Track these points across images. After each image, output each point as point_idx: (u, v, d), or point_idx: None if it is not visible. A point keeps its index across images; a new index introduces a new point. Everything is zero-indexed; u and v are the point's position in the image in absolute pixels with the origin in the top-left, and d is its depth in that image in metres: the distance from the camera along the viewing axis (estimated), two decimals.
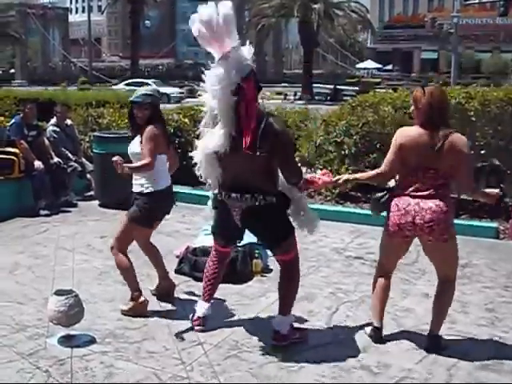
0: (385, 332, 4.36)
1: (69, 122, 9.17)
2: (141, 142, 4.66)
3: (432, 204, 3.97)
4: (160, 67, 70.15)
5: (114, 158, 4.45)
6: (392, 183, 4.22)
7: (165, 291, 5.11)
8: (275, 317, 4.39)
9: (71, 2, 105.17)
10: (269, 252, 5.94)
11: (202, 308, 4.57)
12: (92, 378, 3.84)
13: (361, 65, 62.24)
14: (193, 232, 6.86)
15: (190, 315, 4.60)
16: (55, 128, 8.85)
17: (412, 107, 4.17)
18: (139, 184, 4.73)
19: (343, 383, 3.82)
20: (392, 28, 64.78)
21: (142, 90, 4.80)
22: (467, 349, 4.26)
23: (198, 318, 4.54)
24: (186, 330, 4.50)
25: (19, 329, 4.50)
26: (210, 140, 4.15)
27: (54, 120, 8.97)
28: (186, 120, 9.54)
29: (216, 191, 4.35)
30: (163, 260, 5.16)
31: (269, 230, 4.28)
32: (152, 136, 4.61)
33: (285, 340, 4.27)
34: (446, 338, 4.39)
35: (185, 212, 7.71)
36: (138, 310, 4.77)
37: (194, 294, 5.21)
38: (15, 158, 8.01)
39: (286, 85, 52.50)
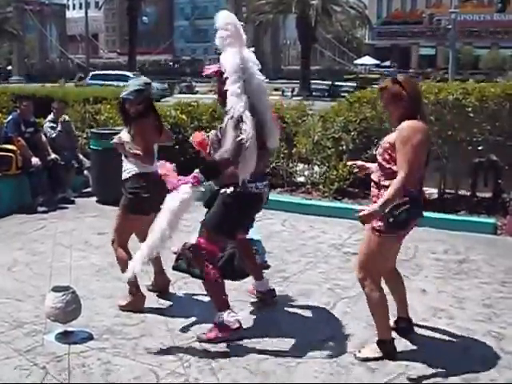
0: None
1: (66, 117, 9.15)
2: (133, 135, 4.65)
3: None
4: (171, 64, 70.37)
5: (115, 140, 4.68)
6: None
7: (160, 287, 5.12)
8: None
9: None
10: (266, 248, 5.98)
11: (234, 315, 4.31)
12: (89, 375, 3.84)
13: (359, 61, 62.20)
14: (190, 228, 6.83)
15: (218, 332, 4.27)
16: (52, 124, 8.83)
17: (388, 104, 3.90)
18: (124, 171, 4.76)
19: (341, 381, 3.82)
20: (390, 24, 64.78)
21: (133, 86, 4.69)
22: (465, 344, 4.27)
23: (239, 325, 4.30)
24: (184, 326, 4.50)
25: (17, 325, 4.50)
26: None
27: (51, 116, 8.96)
28: (184, 116, 9.53)
29: (238, 188, 4.27)
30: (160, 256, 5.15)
31: None
32: (143, 129, 4.63)
33: None
34: (443, 333, 4.41)
35: None
36: (135, 306, 4.77)
37: (191, 291, 5.21)
38: (12, 155, 7.99)
39: (284, 81, 52.47)
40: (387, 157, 3.83)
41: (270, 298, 4.96)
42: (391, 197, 3.68)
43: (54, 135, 8.72)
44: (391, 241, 3.91)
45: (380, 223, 3.81)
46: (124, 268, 4.81)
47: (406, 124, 3.77)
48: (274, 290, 5.00)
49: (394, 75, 4.11)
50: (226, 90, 4.17)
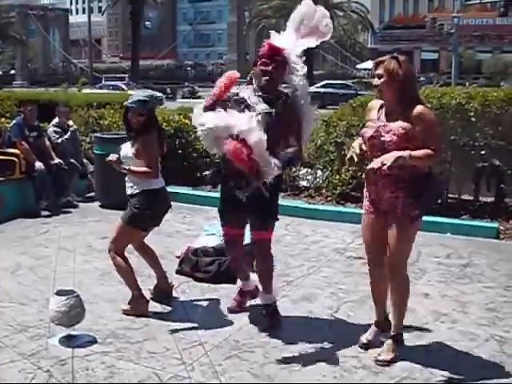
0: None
1: (75, 126, 9.16)
2: (136, 150, 4.66)
3: None
4: (188, 68, 70.77)
5: (109, 158, 4.71)
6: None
7: (163, 291, 5.11)
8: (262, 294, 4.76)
9: (71, 3, 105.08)
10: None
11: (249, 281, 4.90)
12: (93, 378, 3.85)
13: (361, 65, 62.20)
14: (193, 232, 6.87)
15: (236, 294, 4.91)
16: (56, 128, 8.86)
17: (381, 79, 3.82)
18: (130, 186, 4.75)
19: (344, 383, 3.83)
20: (392, 28, 64.81)
21: (138, 96, 4.69)
22: (468, 348, 4.26)
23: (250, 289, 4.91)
24: (187, 330, 4.51)
25: (21, 329, 4.51)
26: None
27: (55, 120, 8.98)
28: (187, 121, 9.55)
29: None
30: (160, 260, 5.15)
31: None
32: (148, 146, 4.64)
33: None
34: (446, 337, 4.42)
35: (185, 213, 7.73)
36: (138, 310, 4.78)
37: (194, 295, 5.22)
38: (16, 159, 8.02)
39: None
40: (404, 145, 3.75)
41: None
42: (419, 156, 3.70)
43: (58, 141, 8.73)
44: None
45: (416, 211, 3.86)
46: (123, 274, 4.84)
47: (421, 108, 3.80)
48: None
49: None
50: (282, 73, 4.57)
